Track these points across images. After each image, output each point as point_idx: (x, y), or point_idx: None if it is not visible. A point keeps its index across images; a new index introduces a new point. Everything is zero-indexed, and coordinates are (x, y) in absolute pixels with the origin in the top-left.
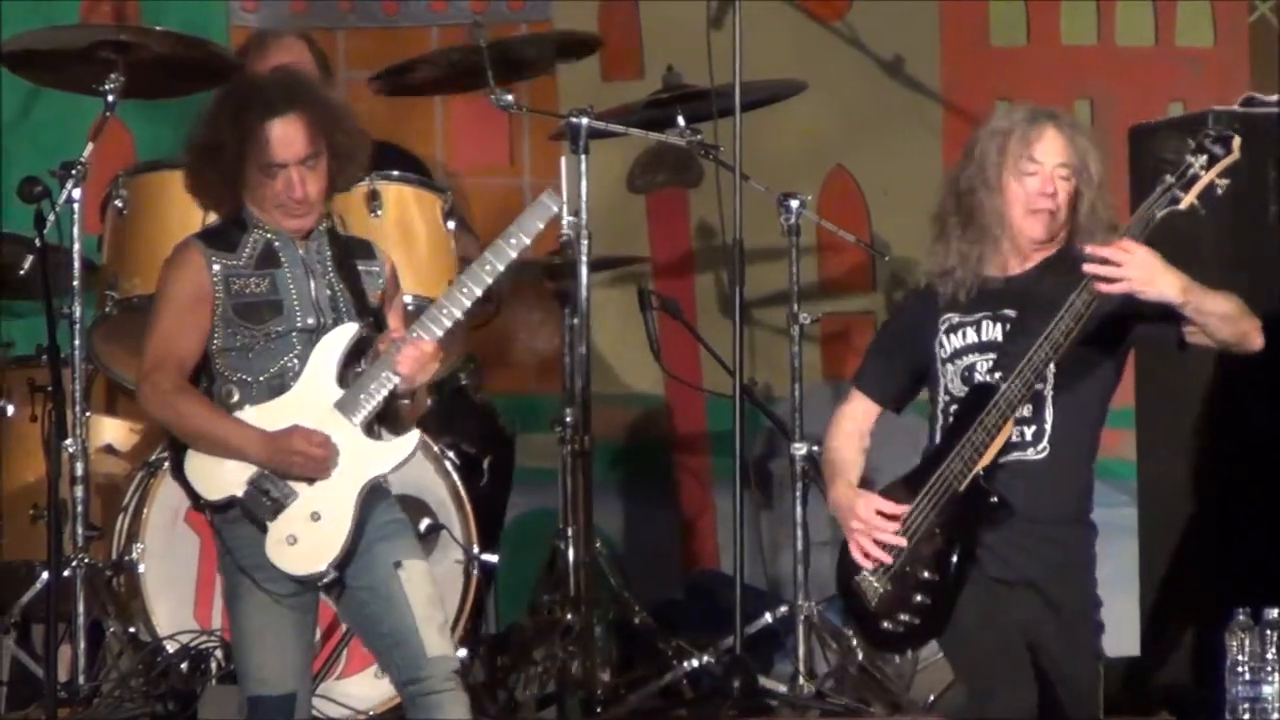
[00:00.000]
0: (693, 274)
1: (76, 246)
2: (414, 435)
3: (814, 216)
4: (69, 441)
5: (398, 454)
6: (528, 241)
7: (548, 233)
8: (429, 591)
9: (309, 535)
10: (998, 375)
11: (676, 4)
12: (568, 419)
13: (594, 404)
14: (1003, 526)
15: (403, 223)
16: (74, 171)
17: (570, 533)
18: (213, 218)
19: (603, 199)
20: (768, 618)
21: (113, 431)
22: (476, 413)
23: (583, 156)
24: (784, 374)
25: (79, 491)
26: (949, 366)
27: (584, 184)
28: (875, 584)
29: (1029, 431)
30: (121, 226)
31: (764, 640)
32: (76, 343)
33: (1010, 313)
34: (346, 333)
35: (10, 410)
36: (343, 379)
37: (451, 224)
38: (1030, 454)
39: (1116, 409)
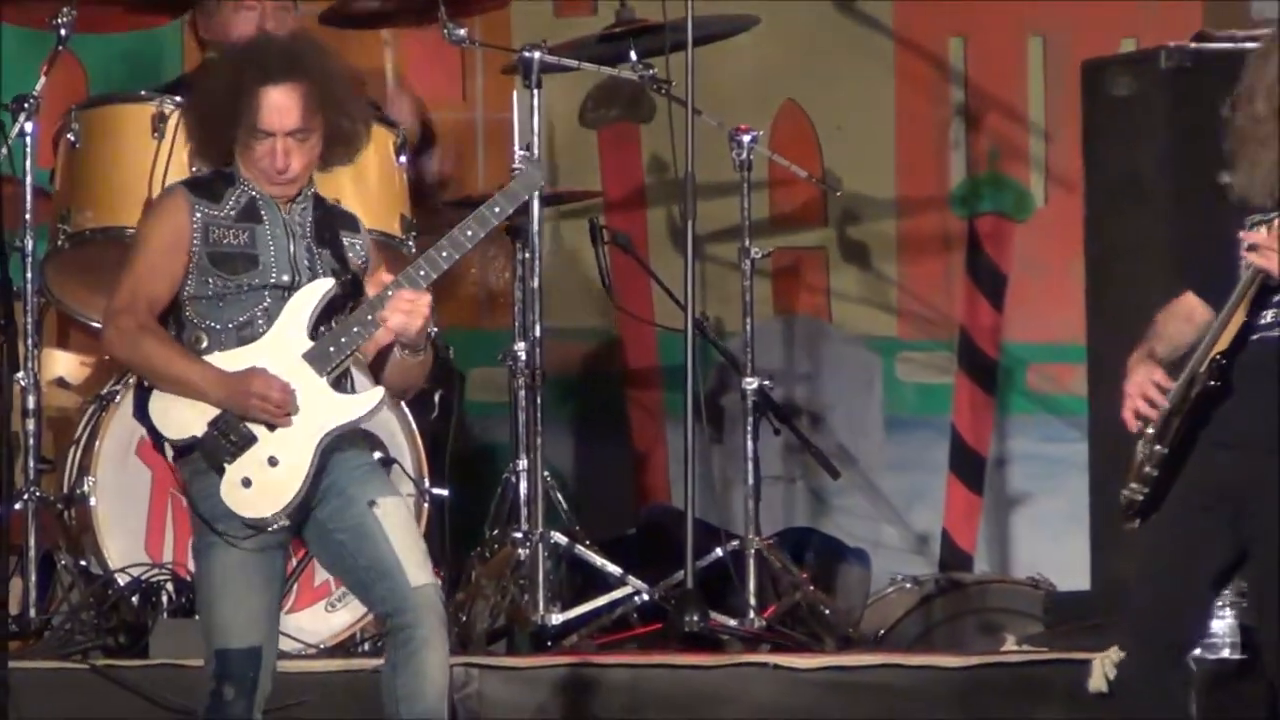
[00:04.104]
0: (644, 209)
1: (29, 179)
2: (379, 391)
3: (766, 151)
4: (20, 375)
5: (361, 407)
6: (510, 210)
7: (499, 167)
8: (407, 526)
9: (263, 480)
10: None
11: None
12: (519, 353)
13: (545, 338)
14: (1235, 401)
15: None
16: (26, 105)
17: (521, 467)
18: (164, 150)
19: (555, 134)
20: (718, 552)
21: (65, 365)
22: None
23: (535, 91)
24: (736, 309)
25: (31, 425)
26: None
27: (536, 119)
28: (1138, 449)
29: (1270, 314)
30: (74, 160)
31: (715, 574)
32: (28, 276)
33: None
34: (321, 287)
35: None
36: (314, 332)
37: (403, 159)
38: (1276, 333)
39: (1067, 343)
